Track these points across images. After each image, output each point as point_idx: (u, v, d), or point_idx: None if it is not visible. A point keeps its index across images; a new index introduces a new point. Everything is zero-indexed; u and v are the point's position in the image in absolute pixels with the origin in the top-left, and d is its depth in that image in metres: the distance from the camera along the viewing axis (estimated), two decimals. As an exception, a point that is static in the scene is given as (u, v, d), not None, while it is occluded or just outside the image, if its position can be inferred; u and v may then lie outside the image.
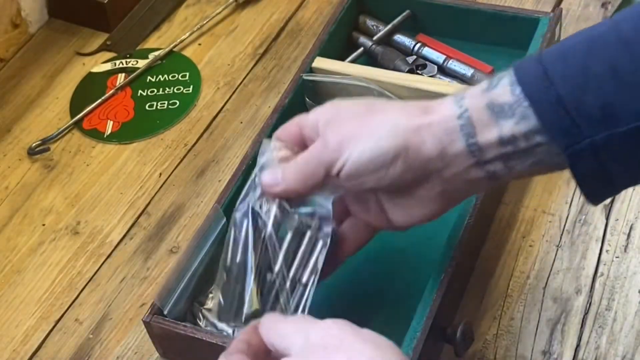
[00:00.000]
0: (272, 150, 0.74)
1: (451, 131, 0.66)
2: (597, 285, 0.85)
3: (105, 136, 1.05)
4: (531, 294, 0.85)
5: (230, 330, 0.83)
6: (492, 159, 0.66)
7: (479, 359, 0.81)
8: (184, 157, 1.02)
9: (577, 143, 0.61)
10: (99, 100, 1.08)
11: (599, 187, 0.64)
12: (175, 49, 1.14)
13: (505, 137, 0.64)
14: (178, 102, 1.08)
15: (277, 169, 0.72)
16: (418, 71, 1.02)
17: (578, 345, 0.81)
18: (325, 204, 0.75)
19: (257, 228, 0.73)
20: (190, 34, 1.16)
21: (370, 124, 0.68)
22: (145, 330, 0.81)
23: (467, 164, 0.66)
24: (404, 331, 0.81)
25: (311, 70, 0.99)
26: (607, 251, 0.87)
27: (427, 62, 1.03)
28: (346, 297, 0.85)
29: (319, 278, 0.75)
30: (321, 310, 0.85)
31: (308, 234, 0.75)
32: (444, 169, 0.67)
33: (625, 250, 0.87)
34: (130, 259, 0.93)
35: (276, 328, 0.60)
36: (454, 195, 0.70)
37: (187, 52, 1.14)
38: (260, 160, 0.74)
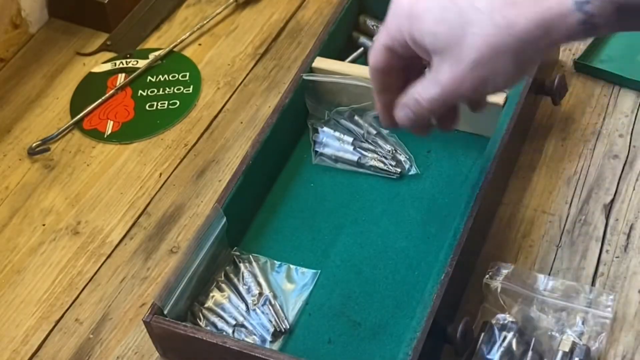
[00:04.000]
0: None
1: None
2: (597, 285, 0.85)
3: (105, 136, 1.05)
4: (531, 293, 0.85)
5: (230, 330, 0.83)
6: None
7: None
8: (184, 157, 1.02)
9: None
10: (99, 100, 1.08)
11: None
12: (175, 49, 1.14)
13: None
14: (178, 102, 1.08)
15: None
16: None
17: (578, 345, 0.81)
18: None
19: None
20: (190, 34, 1.16)
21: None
22: (145, 330, 0.81)
23: None
24: (404, 331, 0.81)
25: (311, 70, 0.99)
26: (607, 251, 0.87)
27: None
28: (346, 296, 0.85)
29: None
30: (322, 309, 0.85)
31: None
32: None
33: (625, 250, 0.87)
34: (131, 259, 0.93)
35: None
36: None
37: (187, 52, 1.14)
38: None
